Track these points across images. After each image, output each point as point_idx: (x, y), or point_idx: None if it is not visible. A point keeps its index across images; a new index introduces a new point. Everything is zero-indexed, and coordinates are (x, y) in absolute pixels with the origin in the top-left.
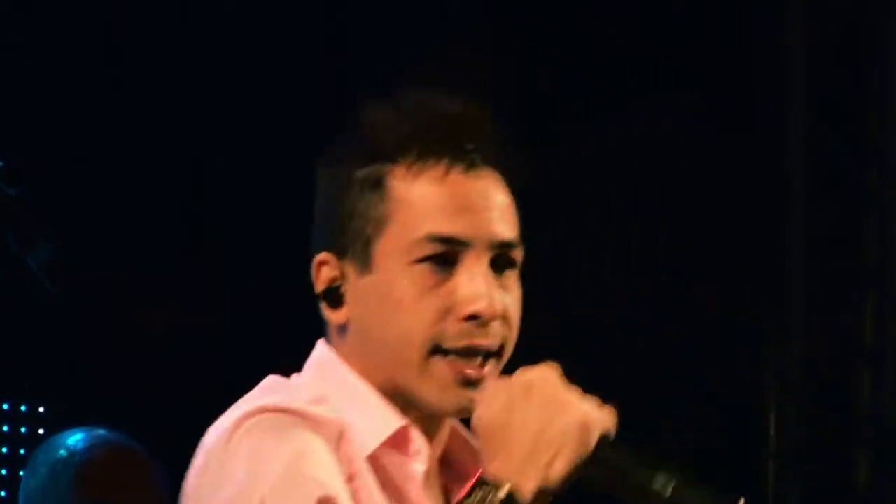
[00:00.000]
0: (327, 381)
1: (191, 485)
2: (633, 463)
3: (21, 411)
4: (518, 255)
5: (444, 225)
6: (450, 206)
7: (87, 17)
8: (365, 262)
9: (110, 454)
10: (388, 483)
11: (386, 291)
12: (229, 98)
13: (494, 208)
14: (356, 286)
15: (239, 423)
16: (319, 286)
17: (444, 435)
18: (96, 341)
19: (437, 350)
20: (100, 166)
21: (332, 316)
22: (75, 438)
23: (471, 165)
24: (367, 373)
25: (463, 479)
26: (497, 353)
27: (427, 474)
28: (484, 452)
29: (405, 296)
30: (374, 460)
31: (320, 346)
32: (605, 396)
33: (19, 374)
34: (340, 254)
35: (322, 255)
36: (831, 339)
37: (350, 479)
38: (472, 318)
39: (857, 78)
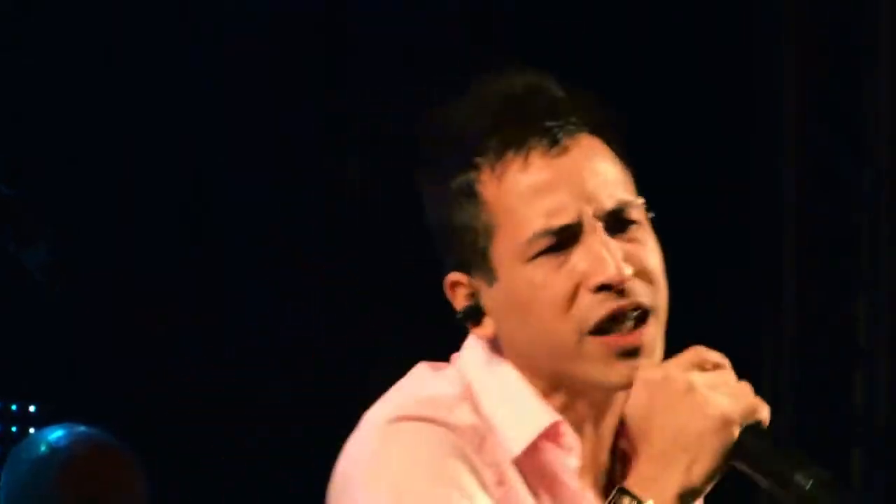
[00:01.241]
0: (483, 373)
1: (335, 485)
2: (776, 453)
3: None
4: (635, 212)
5: (545, 220)
6: (545, 196)
7: (87, 17)
8: (488, 273)
9: (92, 451)
10: (541, 480)
11: (514, 296)
12: (229, 98)
13: (590, 179)
14: (489, 298)
15: (382, 431)
16: (458, 306)
17: (612, 423)
18: (96, 341)
19: (584, 331)
20: (100, 166)
21: (479, 332)
22: (56, 435)
23: (552, 143)
24: (530, 370)
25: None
26: (647, 311)
27: (587, 468)
28: (634, 444)
29: (532, 294)
30: (524, 460)
31: (473, 344)
32: None
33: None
34: (467, 269)
35: (452, 276)
36: (824, 338)
37: (499, 483)
38: (603, 288)
39: (851, 77)
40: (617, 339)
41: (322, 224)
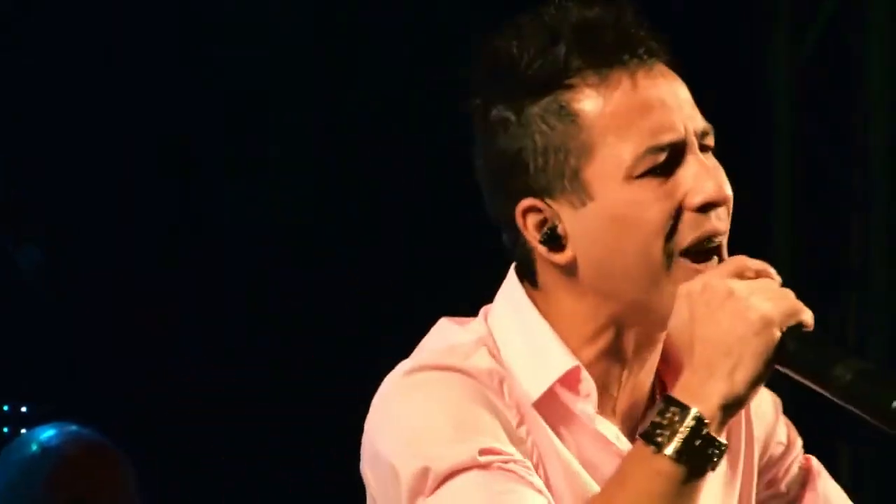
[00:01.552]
0: (506, 318)
1: (364, 440)
2: (818, 352)
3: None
4: (711, 139)
5: (657, 135)
6: (653, 114)
7: (87, 17)
8: (579, 194)
9: (83, 450)
10: (562, 420)
11: (613, 215)
12: (229, 98)
13: (684, 102)
14: (576, 221)
15: (400, 383)
16: (533, 234)
17: (652, 364)
18: (95, 341)
19: (677, 251)
20: (99, 166)
21: (557, 258)
22: (47, 435)
23: (649, 66)
24: (592, 306)
25: None
26: (723, 244)
27: (623, 409)
28: (680, 368)
29: (634, 211)
30: (543, 402)
31: (511, 278)
32: None
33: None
34: (545, 194)
35: (525, 202)
36: None
37: (520, 423)
38: (706, 207)
39: (842, 80)
40: (706, 269)
41: (322, 224)
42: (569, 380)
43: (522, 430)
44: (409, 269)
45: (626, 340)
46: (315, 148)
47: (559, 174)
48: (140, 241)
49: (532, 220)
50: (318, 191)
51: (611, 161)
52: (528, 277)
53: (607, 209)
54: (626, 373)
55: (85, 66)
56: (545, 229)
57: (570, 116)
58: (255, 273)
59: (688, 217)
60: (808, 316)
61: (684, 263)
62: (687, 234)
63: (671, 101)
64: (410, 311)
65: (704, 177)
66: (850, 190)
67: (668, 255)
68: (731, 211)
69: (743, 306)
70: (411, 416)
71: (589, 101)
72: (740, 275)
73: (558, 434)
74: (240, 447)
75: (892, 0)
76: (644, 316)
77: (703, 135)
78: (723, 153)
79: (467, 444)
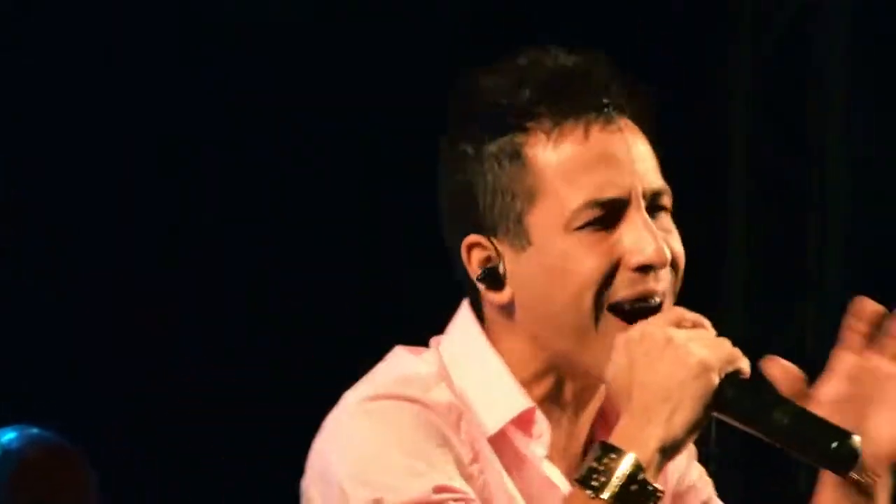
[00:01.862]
0: (462, 354)
1: (310, 464)
2: (755, 398)
3: None
4: (668, 200)
5: (599, 189)
6: (599, 167)
7: (87, 16)
8: (520, 238)
9: (43, 453)
10: (513, 461)
11: (549, 263)
12: (230, 97)
13: (639, 159)
14: (517, 263)
15: (355, 409)
16: (475, 269)
17: (592, 412)
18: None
19: (609, 307)
20: (99, 166)
21: (495, 297)
22: (7, 438)
23: (608, 120)
24: (530, 349)
25: None
26: (663, 304)
27: (560, 455)
28: (619, 411)
29: (568, 262)
30: (498, 439)
31: (464, 312)
32: None
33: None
34: (490, 233)
35: (471, 238)
36: (771, 343)
37: (473, 460)
38: (644, 268)
39: (798, 83)
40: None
41: (322, 225)
42: (522, 420)
43: (475, 468)
44: (410, 269)
45: (566, 387)
46: (316, 148)
47: (505, 215)
48: (140, 241)
49: (476, 255)
50: (319, 191)
51: (553, 210)
52: (477, 312)
53: (544, 257)
54: (567, 418)
55: (85, 66)
56: (486, 267)
57: (520, 160)
58: (255, 273)
59: (624, 274)
60: (744, 363)
61: (614, 320)
62: (619, 291)
63: (623, 157)
64: (411, 312)
65: (646, 238)
66: (806, 192)
67: (597, 310)
68: (680, 270)
69: (682, 352)
70: (368, 444)
71: (540, 148)
72: (678, 324)
73: (508, 472)
74: (240, 447)
75: (850, 2)
76: (575, 367)
77: (657, 195)
78: (678, 155)
79: (422, 480)
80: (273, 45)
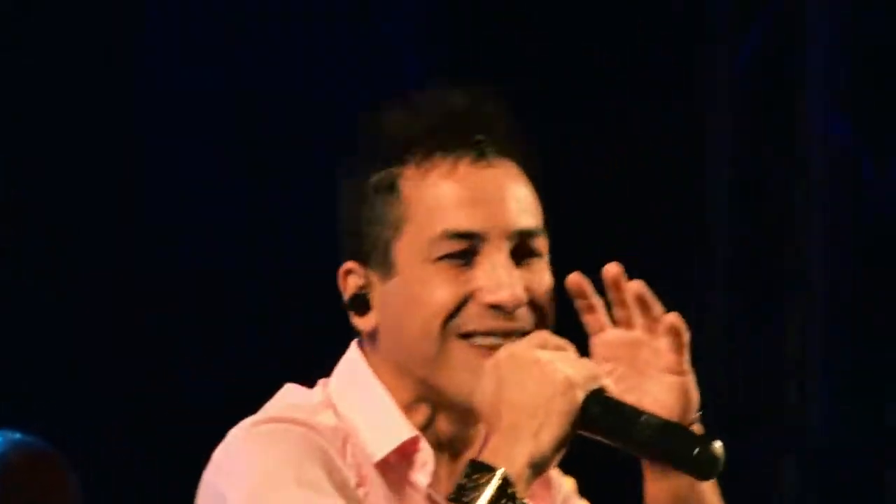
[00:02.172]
0: (348, 386)
1: (201, 491)
2: (619, 413)
3: None
4: (541, 244)
5: (457, 220)
6: (462, 201)
7: (87, 16)
8: (386, 267)
9: (28, 458)
10: (398, 488)
11: (408, 292)
12: (229, 98)
13: (509, 198)
14: (381, 291)
15: (248, 431)
16: (346, 294)
17: (476, 444)
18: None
19: (457, 335)
20: (99, 166)
21: (360, 323)
22: None
23: (480, 156)
24: (398, 378)
25: None
26: (527, 334)
27: (444, 485)
28: (487, 434)
29: (423, 292)
30: (383, 466)
31: (352, 349)
32: None
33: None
34: (364, 261)
35: (347, 265)
36: (755, 349)
37: (359, 484)
38: (495, 307)
39: (781, 92)
40: (489, 353)
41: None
42: (407, 449)
43: (361, 491)
44: None
45: (440, 417)
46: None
47: (375, 244)
48: (140, 241)
49: (351, 282)
50: (319, 191)
51: (415, 240)
52: (359, 339)
53: (404, 286)
54: (449, 451)
55: (85, 65)
56: (354, 293)
57: (394, 192)
58: (255, 273)
59: (475, 308)
60: (608, 382)
61: (463, 344)
62: (468, 323)
63: (490, 195)
64: None
65: (502, 278)
66: (789, 195)
67: (446, 339)
68: (544, 307)
69: (548, 370)
70: (257, 466)
71: (410, 181)
72: (542, 346)
73: (395, 498)
74: None
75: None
76: (439, 394)
77: (526, 236)
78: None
79: (310, 501)
80: (274, 45)
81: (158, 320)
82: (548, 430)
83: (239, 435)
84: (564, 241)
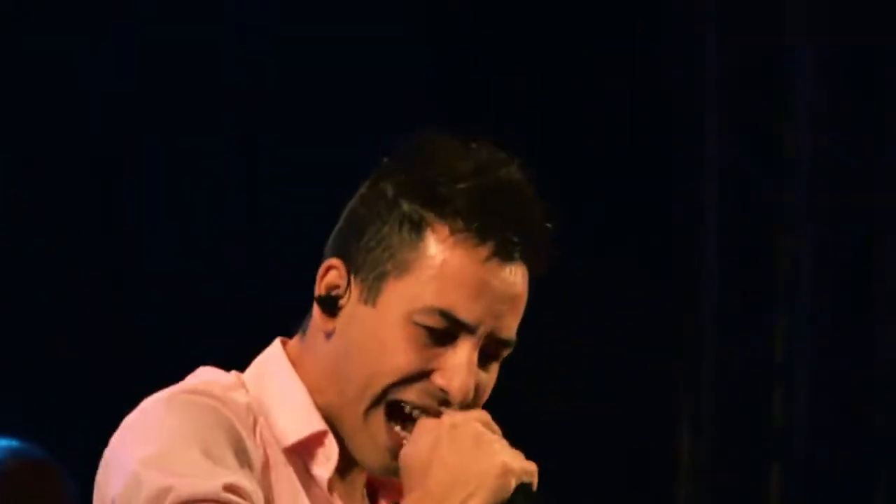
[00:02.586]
0: (265, 374)
1: (106, 458)
2: None
3: None
4: (507, 352)
5: (458, 307)
6: (472, 292)
7: (87, 17)
8: (371, 292)
9: (24, 466)
10: (301, 479)
11: (377, 333)
12: (230, 97)
13: (512, 309)
14: (354, 308)
15: (164, 400)
16: (321, 288)
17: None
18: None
19: (390, 399)
20: (99, 166)
21: (321, 322)
22: None
23: (509, 258)
24: (318, 383)
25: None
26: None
27: (343, 483)
28: (405, 487)
29: (392, 345)
30: (291, 453)
31: (274, 345)
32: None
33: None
34: (352, 268)
35: (334, 261)
36: (744, 356)
37: (266, 465)
38: (442, 392)
39: (771, 98)
40: (404, 438)
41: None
42: (314, 441)
43: (267, 473)
44: None
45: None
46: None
47: (373, 266)
48: (140, 241)
49: (329, 277)
50: (319, 191)
51: (410, 293)
52: (304, 323)
53: (376, 324)
54: (346, 452)
55: (85, 65)
56: (330, 291)
57: (418, 232)
58: (255, 273)
59: (423, 383)
60: (536, 479)
61: (382, 416)
62: (408, 393)
63: (498, 296)
64: None
65: (462, 373)
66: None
67: (376, 401)
68: (477, 405)
69: (489, 449)
70: (165, 433)
71: (439, 238)
72: (485, 425)
73: (298, 485)
74: None
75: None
76: (340, 428)
77: (502, 344)
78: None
79: (214, 475)
80: (274, 44)
81: (158, 325)
82: (475, 501)
83: (151, 403)
84: (554, 244)
